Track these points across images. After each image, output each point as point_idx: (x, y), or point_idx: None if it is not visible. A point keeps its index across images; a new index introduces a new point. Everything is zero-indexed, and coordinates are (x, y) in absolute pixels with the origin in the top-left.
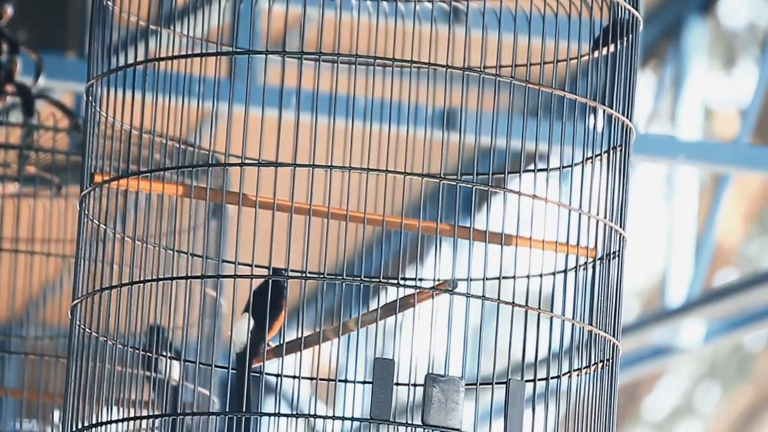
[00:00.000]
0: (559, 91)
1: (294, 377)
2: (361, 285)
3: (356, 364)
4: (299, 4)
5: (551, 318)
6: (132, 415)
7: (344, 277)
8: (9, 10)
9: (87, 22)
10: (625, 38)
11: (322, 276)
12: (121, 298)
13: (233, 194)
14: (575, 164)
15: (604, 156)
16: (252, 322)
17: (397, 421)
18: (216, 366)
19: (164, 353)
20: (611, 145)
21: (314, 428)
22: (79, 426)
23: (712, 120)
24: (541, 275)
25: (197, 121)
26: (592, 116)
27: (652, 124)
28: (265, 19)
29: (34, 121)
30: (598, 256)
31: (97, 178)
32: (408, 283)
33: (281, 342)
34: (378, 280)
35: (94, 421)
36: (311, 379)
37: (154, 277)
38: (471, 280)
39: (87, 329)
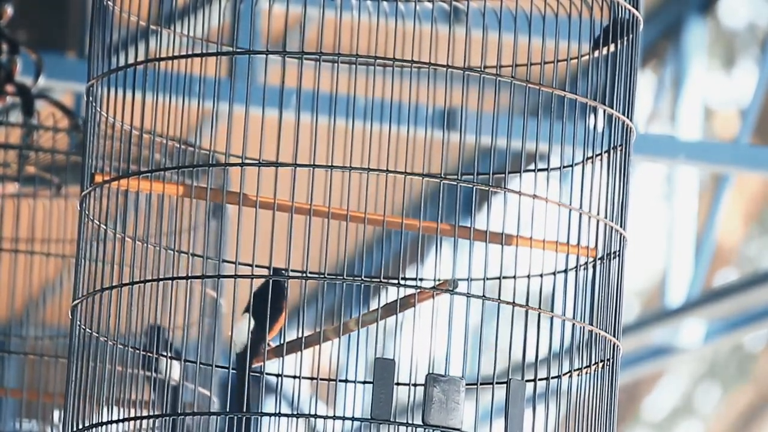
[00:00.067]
0: (559, 91)
1: (294, 377)
2: (362, 285)
3: (357, 364)
4: (299, 4)
5: (552, 318)
6: (132, 415)
7: (345, 277)
8: (9, 10)
9: (87, 22)
10: (625, 38)
11: (322, 276)
12: (121, 299)
13: (234, 194)
14: (575, 164)
15: (605, 156)
16: (252, 322)
17: (397, 421)
18: (216, 366)
19: (164, 353)
20: (611, 145)
21: (314, 428)
22: (80, 426)
23: (712, 120)
24: (541, 275)
25: (197, 121)
26: (592, 116)
27: (652, 124)
28: (266, 19)
29: (34, 121)
30: (599, 255)
31: (98, 178)
32: (408, 283)
33: (282, 342)
34: (378, 280)
35: (94, 422)
36: (312, 379)
37: (154, 278)
38: (471, 279)
39: (87, 329)
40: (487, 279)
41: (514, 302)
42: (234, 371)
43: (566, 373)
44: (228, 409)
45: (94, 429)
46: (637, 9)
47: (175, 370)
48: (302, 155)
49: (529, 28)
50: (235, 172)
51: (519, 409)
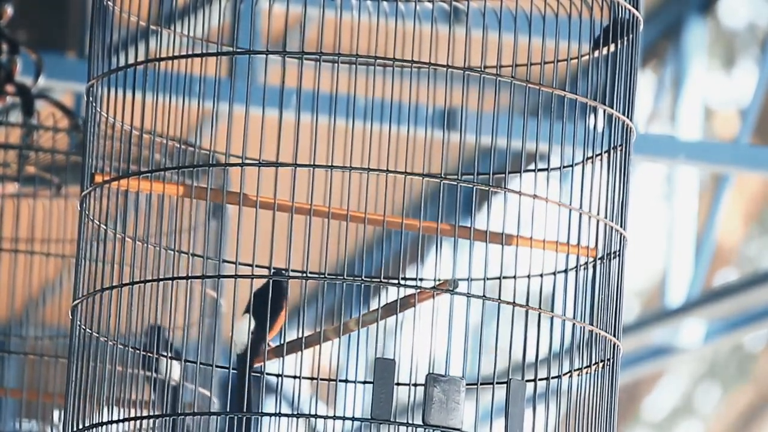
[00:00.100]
0: (559, 90)
1: (295, 377)
2: (362, 285)
3: (357, 364)
4: (299, 4)
5: (552, 318)
6: (132, 415)
7: (345, 277)
8: (9, 10)
9: (87, 22)
10: (625, 38)
11: (322, 276)
12: (121, 299)
13: (234, 194)
14: (576, 164)
15: (605, 156)
16: (253, 322)
17: (397, 421)
18: (216, 366)
19: (164, 353)
20: (611, 145)
21: (315, 428)
22: (80, 426)
23: (712, 120)
24: (541, 275)
25: (198, 121)
26: (592, 116)
27: (652, 124)
28: (266, 19)
29: (33, 121)
30: (599, 255)
31: (98, 179)
32: (408, 283)
33: (282, 342)
34: (379, 280)
35: (94, 422)
36: (312, 379)
37: (154, 278)
38: (471, 279)
39: (87, 329)
40: (488, 279)
41: (514, 302)
42: (234, 371)
43: (566, 373)
44: (228, 409)
45: (94, 429)
46: (637, 9)
47: (175, 370)
48: (302, 155)
49: (529, 28)
50: (235, 172)
51: (519, 409)
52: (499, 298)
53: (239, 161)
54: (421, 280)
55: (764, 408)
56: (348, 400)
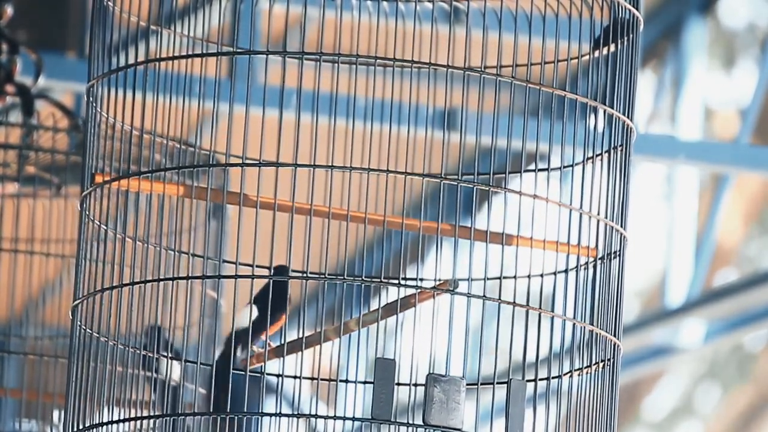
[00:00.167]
0: (559, 91)
1: (295, 377)
2: (362, 285)
3: (357, 364)
4: (300, 4)
5: (552, 318)
6: (132, 415)
7: (345, 277)
8: (9, 10)
9: (87, 22)
10: (625, 38)
11: (323, 276)
12: (121, 299)
13: (234, 194)
14: (576, 164)
15: (605, 156)
16: (255, 312)
17: (398, 421)
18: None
19: (165, 353)
20: (612, 145)
21: (315, 428)
22: (80, 426)
23: (712, 120)
24: (542, 275)
25: (198, 121)
26: (592, 116)
27: (652, 124)
28: (266, 20)
29: (33, 121)
30: (599, 255)
31: (98, 179)
32: (409, 283)
33: (282, 342)
34: (379, 280)
35: (95, 422)
36: (312, 379)
37: (154, 278)
38: (472, 279)
39: (88, 329)
40: (488, 279)
41: (514, 302)
42: (235, 372)
43: (567, 373)
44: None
45: (94, 429)
46: (637, 9)
47: (175, 370)
48: (302, 155)
49: (530, 29)
50: (236, 172)
51: (519, 409)
52: (500, 298)
53: (239, 161)
54: (421, 280)
55: (764, 408)
56: (348, 400)
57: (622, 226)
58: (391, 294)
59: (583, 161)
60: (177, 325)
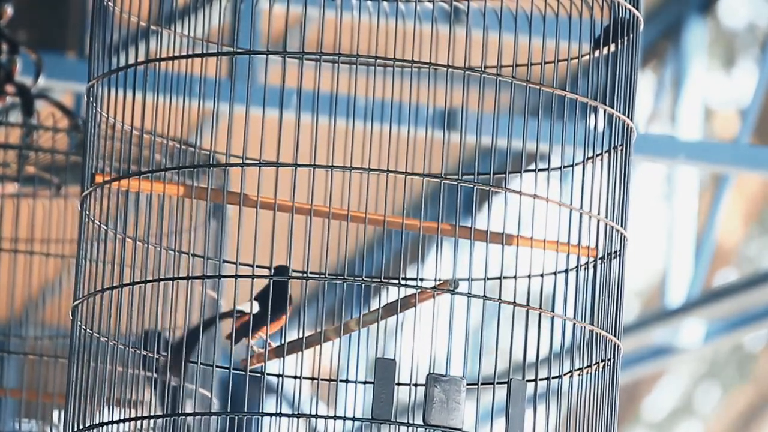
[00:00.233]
0: (559, 90)
1: (295, 377)
2: (362, 285)
3: (357, 364)
4: (300, 4)
5: (552, 318)
6: (132, 415)
7: (345, 277)
8: (9, 10)
9: (87, 22)
10: (625, 38)
11: (323, 276)
12: (122, 299)
13: (234, 194)
14: (576, 164)
15: (605, 156)
16: (257, 307)
17: (398, 421)
18: (216, 366)
19: (164, 354)
20: (612, 145)
21: (315, 428)
22: (80, 426)
23: (712, 120)
24: (542, 275)
25: (198, 121)
26: (592, 116)
27: (652, 124)
28: (266, 20)
29: (33, 121)
30: (599, 255)
31: (98, 179)
32: (409, 283)
33: (282, 342)
34: (379, 280)
35: (95, 422)
36: (312, 379)
37: (154, 278)
38: (472, 279)
39: (88, 330)
40: (488, 279)
41: (514, 302)
42: (236, 371)
43: (567, 373)
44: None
45: (94, 429)
46: (637, 9)
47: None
48: (303, 155)
49: (530, 28)
50: (236, 172)
51: (520, 409)
52: (500, 298)
53: (240, 161)
54: (421, 280)
55: (764, 408)
56: (348, 400)
57: (622, 226)
58: (392, 294)
59: (583, 161)
60: (177, 325)
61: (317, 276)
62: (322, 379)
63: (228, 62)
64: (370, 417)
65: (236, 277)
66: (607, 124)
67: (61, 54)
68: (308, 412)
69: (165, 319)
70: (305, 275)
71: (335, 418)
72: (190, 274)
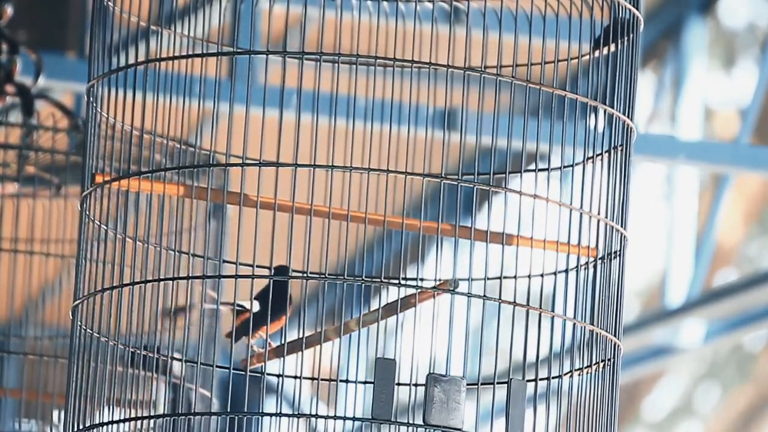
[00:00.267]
0: (559, 90)
1: (295, 377)
2: (362, 285)
3: (357, 364)
4: (300, 4)
5: (552, 318)
6: (132, 415)
7: (345, 277)
8: (9, 10)
9: (87, 22)
10: (625, 38)
11: (323, 276)
12: (122, 299)
13: (234, 194)
14: (576, 164)
15: (605, 156)
16: (257, 306)
17: (398, 421)
18: (216, 366)
19: (164, 354)
20: (612, 145)
21: (315, 428)
22: (80, 426)
23: (712, 120)
24: (542, 275)
25: (198, 121)
26: (592, 116)
27: (652, 124)
28: (266, 20)
29: (33, 121)
30: (599, 255)
31: (98, 179)
32: (409, 282)
33: (282, 342)
34: (379, 280)
35: (95, 422)
36: (312, 379)
37: (154, 278)
38: (472, 279)
39: (88, 330)
40: (488, 279)
41: (515, 302)
42: (236, 371)
43: (567, 373)
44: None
45: (94, 429)
46: (637, 9)
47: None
48: (303, 155)
49: (530, 28)
50: (236, 172)
51: (520, 409)
52: (500, 298)
53: (240, 161)
54: (421, 280)
55: (764, 408)
56: (348, 400)
57: (622, 226)
58: (392, 294)
59: (584, 161)
60: (177, 325)
61: (317, 276)
62: (322, 379)
63: (228, 62)
64: (370, 417)
65: (236, 277)
66: (607, 124)
67: (61, 54)
68: (308, 412)
69: (165, 319)
70: (305, 275)
71: (335, 418)
72: (190, 274)
